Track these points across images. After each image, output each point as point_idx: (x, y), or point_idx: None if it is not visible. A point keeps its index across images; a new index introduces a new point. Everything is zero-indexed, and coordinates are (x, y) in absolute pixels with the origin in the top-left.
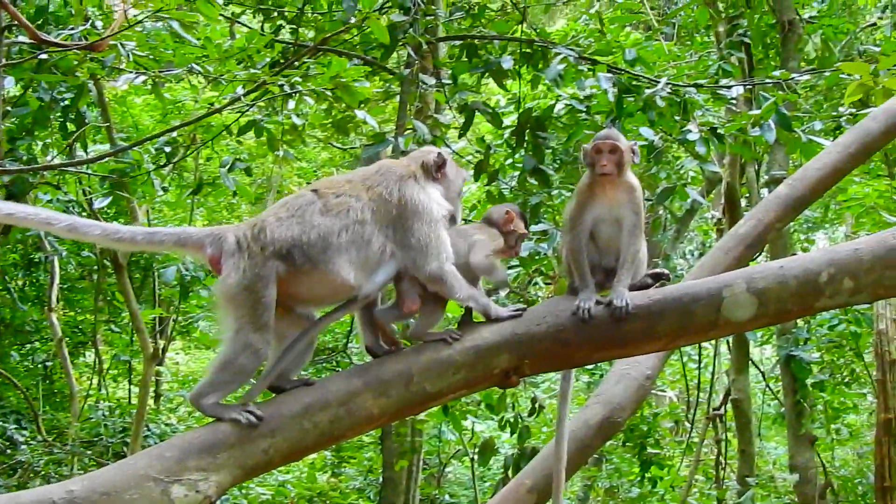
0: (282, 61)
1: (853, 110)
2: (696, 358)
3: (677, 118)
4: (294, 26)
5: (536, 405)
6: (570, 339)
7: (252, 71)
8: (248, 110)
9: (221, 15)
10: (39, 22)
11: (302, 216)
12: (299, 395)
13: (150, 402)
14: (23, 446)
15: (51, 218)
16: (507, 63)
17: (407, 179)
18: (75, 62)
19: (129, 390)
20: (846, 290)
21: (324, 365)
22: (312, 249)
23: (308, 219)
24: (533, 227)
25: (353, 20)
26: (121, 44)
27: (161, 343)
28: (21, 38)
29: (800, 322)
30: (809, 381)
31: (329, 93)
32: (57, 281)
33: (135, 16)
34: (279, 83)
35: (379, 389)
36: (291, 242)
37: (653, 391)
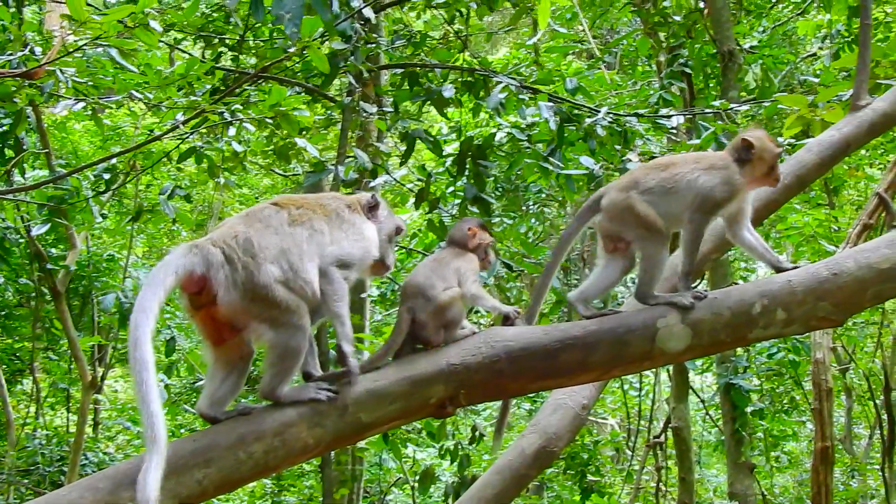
0: (222, 88)
1: (792, 140)
2: (637, 386)
3: (618, 147)
4: (235, 53)
5: (477, 433)
6: (504, 369)
7: (192, 98)
8: (188, 137)
9: (162, 41)
10: None
11: (274, 225)
12: (234, 425)
13: (89, 430)
14: None
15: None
16: (449, 91)
17: (354, 210)
18: (13, 88)
19: (67, 418)
20: (779, 321)
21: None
22: (292, 256)
23: (281, 227)
24: None
25: (293, 48)
26: (60, 70)
27: (100, 371)
28: None
29: (739, 350)
30: (749, 409)
31: (270, 120)
32: None
33: (75, 41)
34: (219, 111)
35: (314, 420)
36: (277, 249)
37: (594, 419)
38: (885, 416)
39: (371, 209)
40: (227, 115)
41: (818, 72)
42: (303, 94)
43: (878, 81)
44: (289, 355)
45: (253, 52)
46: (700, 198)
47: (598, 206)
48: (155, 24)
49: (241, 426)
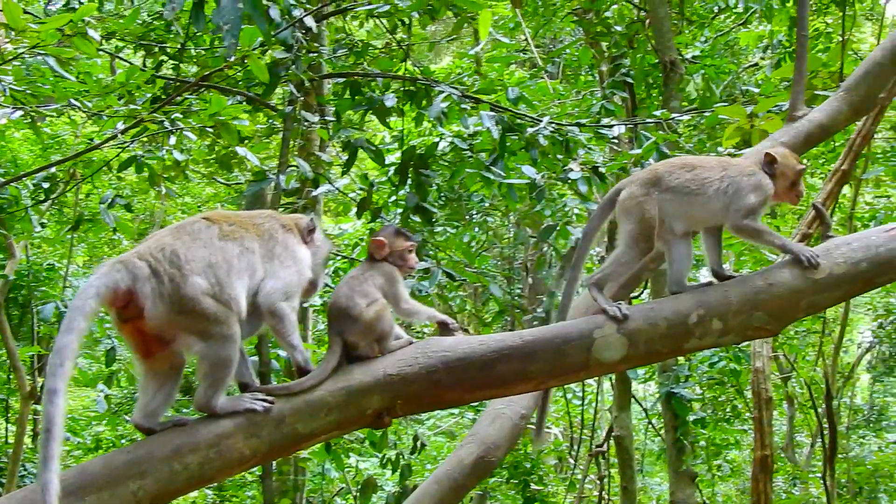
0: (163, 97)
1: (732, 150)
2: (580, 395)
3: (560, 157)
4: (176, 62)
5: (418, 443)
6: (441, 379)
7: (132, 107)
8: (129, 146)
9: (103, 49)
10: None
11: (203, 239)
12: (170, 436)
13: (28, 441)
14: None
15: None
16: (390, 101)
17: (289, 231)
18: None
19: (6, 429)
20: (715, 331)
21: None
22: (220, 271)
23: (210, 241)
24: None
25: (233, 58)
26: None
27: (39, 381)
28: None
29: (681, 359)
30: (690, 418)
31: (210, 129)
32: None
33: (13, 49)
34: (159, 119)
35: (250, 430)
36: (205, 263)
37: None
38: (826, 425)
39: (309, 233)
40: (167, 123)
41: (760, 82)
42: (244, 102)
43: (816, 93)
44: (220, 366)
45: (194, 60)
46: (740, 204)
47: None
48: (93, 33)
49: (176, 438)
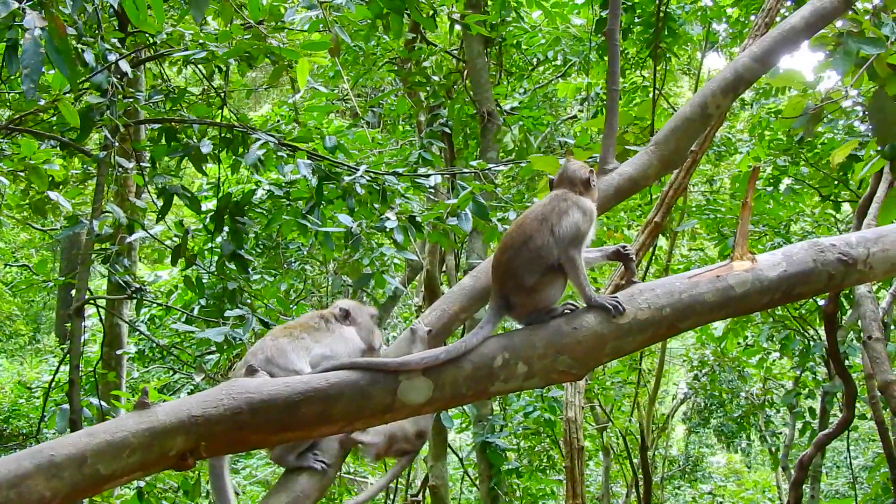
0: None
1: None
2: None
3: (377, 206)
4: None
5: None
6: (246, 421)
7: None
8: None
9: None
10: None
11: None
12: None
13: None
14: None
15: None
16: (206, 147)
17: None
18: None
19: None
20: (520, 374)
21: (15, 450)
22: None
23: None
24: (230, 313)
25: (42, 101)
26: None
27: None
28: None
29: (496, 408)
30: (505, 468)
31: (22, 174)
32: None
33: None
34: None
35: (51, 472)
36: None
37: (354, 478)
38: (641, 475)
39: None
40: None
41: (577, 133)
42: (58, 147)
43: (626, 147)
44: None
45: (7, 104)
46: (569, 239)
47: None
48: None
49: None
